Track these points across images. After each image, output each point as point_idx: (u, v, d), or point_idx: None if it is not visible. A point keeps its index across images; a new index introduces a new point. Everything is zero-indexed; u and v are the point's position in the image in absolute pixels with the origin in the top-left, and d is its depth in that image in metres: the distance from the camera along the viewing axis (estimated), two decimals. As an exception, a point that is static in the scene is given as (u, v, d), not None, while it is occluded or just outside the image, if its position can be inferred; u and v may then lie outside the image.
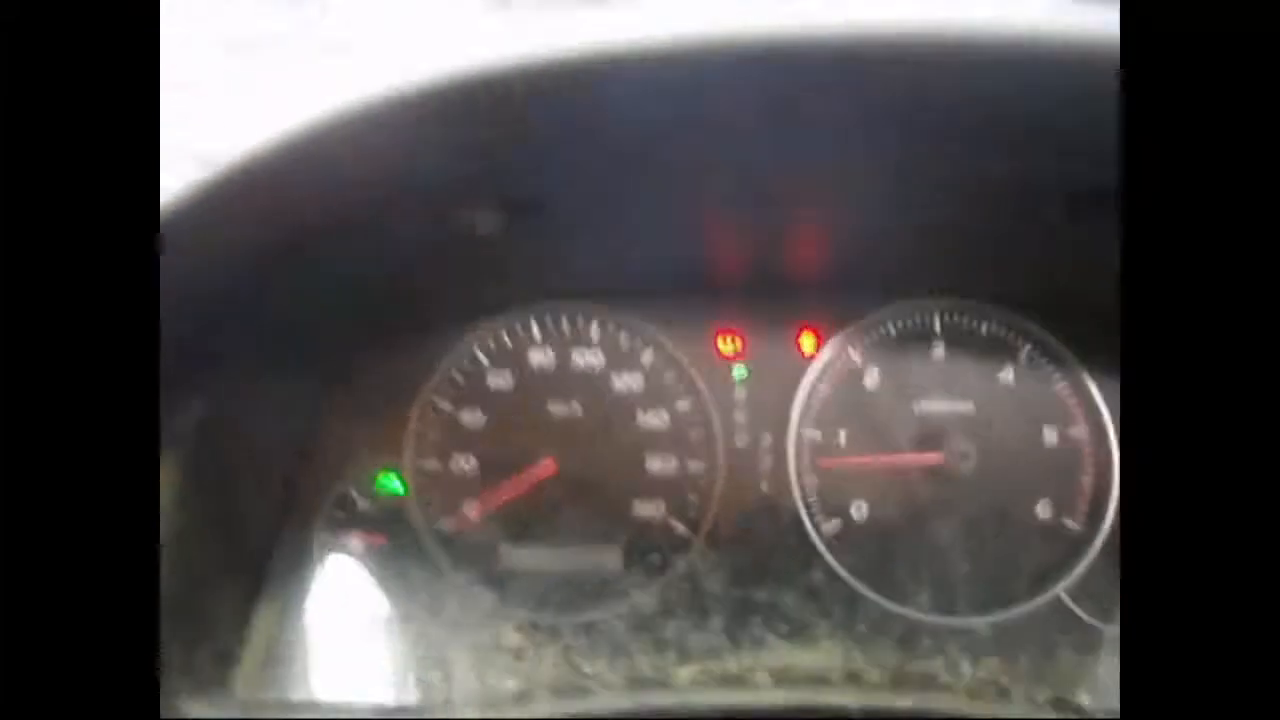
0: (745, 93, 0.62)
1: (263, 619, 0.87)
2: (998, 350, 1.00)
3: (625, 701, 0.74)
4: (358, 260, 0.83)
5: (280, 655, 0.86)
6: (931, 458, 0.96)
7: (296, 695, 0.83)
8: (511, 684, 0.79)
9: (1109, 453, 0.97)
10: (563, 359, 1.01)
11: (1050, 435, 0.98)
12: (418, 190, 0.71)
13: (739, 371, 1.01)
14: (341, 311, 0.95)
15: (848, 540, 0.95)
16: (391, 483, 1.00)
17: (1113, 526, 0.94)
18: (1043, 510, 0.97)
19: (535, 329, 1.02)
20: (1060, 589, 0.94)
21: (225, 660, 0.81)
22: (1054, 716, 0.73)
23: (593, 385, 1.00)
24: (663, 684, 0.76)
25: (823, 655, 0.85)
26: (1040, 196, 0.72)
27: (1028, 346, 1.00)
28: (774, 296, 1.01)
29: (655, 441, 0.99)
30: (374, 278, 0.89)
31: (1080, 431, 0.98)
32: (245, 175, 0.62)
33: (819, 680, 0.76)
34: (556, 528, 0.96)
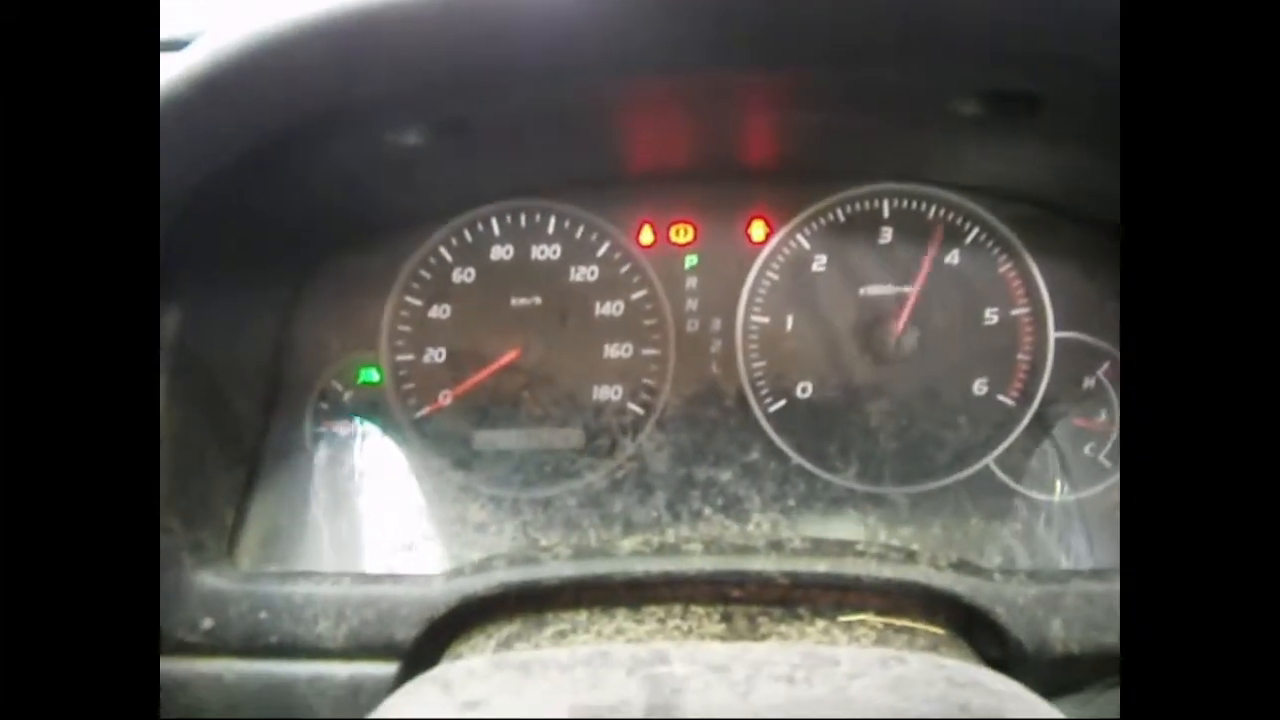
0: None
1: (261, 504, 0.97)
2: (944, 235, 1.02)
3: (571, 569, 0.84)
4: (323, 170, 0.86)
5: (278, 534, 0.97)
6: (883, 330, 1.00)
7: (293, 567, 0.95)
8: (475, 554, 0.89)
9: (1045, 331, 1.01)
10: (522, 253, 1.06)
11: (991, 316, 1.02)
12: (354, 108, 0.74)
13: (690, 260, 1.04)
14: (312, 216, 0.99)
15: (789, 420, 1.02)
16: (370, 375, 1.08)
17: (1041, 401, 1.00)
18: (979, 387, 1.02)
19: (495, 225, 1.06)
20: (990, 459, 1.01)
21: (229, 540, 0.92)
22: (953, 575, 0.81)
23: (551, 277, 1.05)
24: (606, 553, 0.85)
25: (753, 526, 0.94)
26: (959, 97, 0.72)
27: (974, 230, 1.02)
28: (725, 187, 1.04)
29: (612, 329, 1.05)
30: (339, 186, 0.93)
31: (1020, 311, 1.02)
32: (207, 81, 0.65)
33: (745, 548, 0.84)
34: (520, 412, 1.04)
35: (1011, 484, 1.00)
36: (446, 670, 0.65)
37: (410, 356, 1.06)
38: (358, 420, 1.06)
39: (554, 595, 0.85)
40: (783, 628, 0.82)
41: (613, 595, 0.85)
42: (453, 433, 1.03)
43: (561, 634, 0.81)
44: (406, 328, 1.06)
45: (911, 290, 1.01)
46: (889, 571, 0.82)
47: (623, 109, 0.91)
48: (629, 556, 0.85)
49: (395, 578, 0.86)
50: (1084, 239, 0.99)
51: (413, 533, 0.97)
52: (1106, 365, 1.00)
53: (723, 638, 0.80)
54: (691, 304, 1.05)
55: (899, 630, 0.83)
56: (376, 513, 1.00)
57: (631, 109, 0.91)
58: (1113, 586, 0.80)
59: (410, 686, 0.63)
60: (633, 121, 0.94)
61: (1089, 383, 1.01)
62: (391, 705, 0.61)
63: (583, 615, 0.84)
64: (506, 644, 0.81)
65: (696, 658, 0.63)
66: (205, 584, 0.85)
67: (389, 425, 1.05)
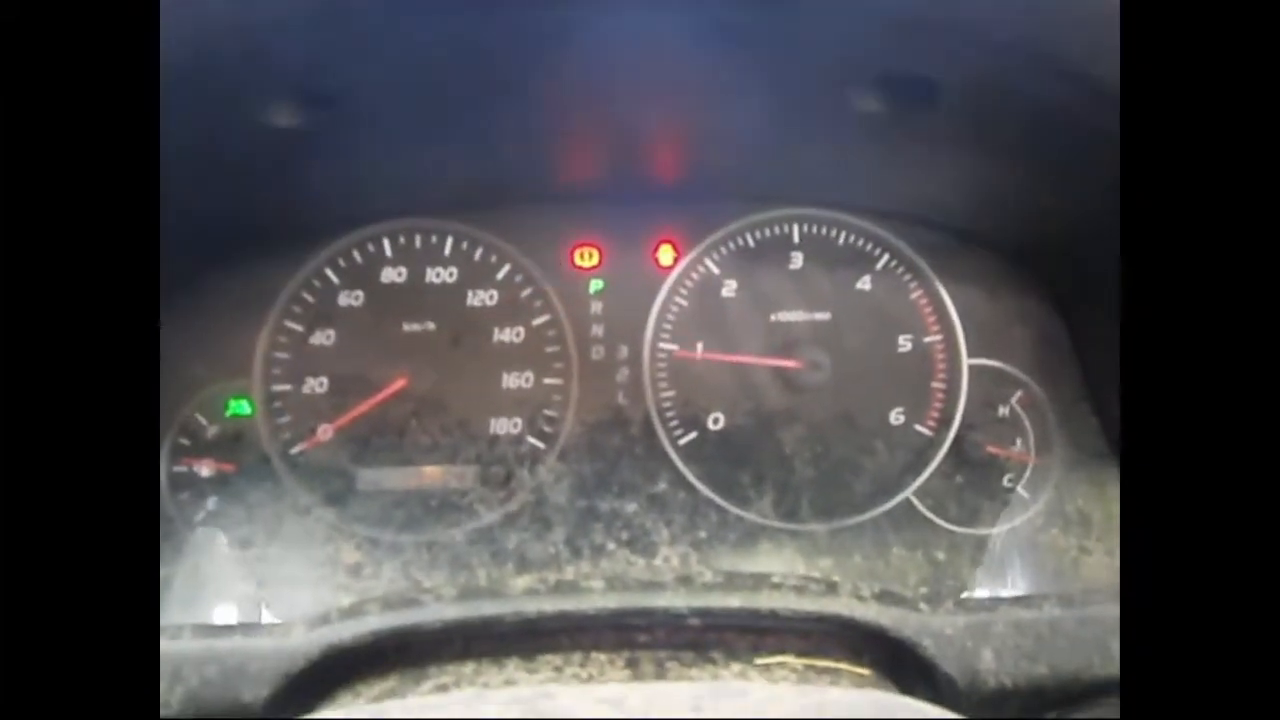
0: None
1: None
2: (855, 260, 1.00)
3: (454, 611, 0.74)
4: (189, 161, 0.78)
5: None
6: (789, 363, 0.96)
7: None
8: (345, 599, 0.78)
9: (959, 358, 0.99)
10: (416, 276, 0.98)
11: (904, 343, 0.99)
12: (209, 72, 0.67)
13: (595, 284, 0.99)
14: (178, 224, 0.90)
15: (700, 450, 0.96)
16: (241, 407, 0.97)
17: (958, 429, 0.97)
18: (895, 416, 0.99)
19: (387, 246, 0.98)
20: (909, 492, 0.97)
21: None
22: (877, 606, 0.75)
23: (447, 302, 0.98)
24: (496, 593, 0.75)
25: (660, 561, 0.86)
26: (858, 86, 0.71)
27: (884, 257, 1.00)
28: (631, 209, 1.00)
29: (511, 357, 0.98)
30: (207, 185, 0.85)
31: (933, 339, 1.00)
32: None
33: (651, 584, 0.76)
34: (406, 443, 0.94)
35: (931, 516, 0.95)
36: None
37: (287, 387, 0.96)
38: (224, 458, 0.94)
39: (436, 644, 0.74)
40: (693, 672, 0.73)
41: (504, 642, 0.75)
42: (328, 468, 0.93)
43: (442, 688, 0.71)
44: (284, 355, 0.97)
45: (825, 316, 0.98)
46: (808, 605, 0.75)
47: (521, 115, 0.87)
48: (522, 596, 0.75)
49: (246, 628, 0.74)
50: (987, 263, 0.99)
51: (274, 579, 0.85)
52: (1020, 393, 0.99)
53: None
54: (597, 330, 0.99)
55: (821, 671, 0.76)
56: (233, 559, 0.88)
57: (530, 115, 0.87)
58: (1041, 614, 0.75)
59: None
60: (532, 131, 0.90)
61: (1004, 410, 0.98)
62: None
63: (468, 667, 0.74)
64: (378, 701, 0.69)
65: (589, 693, 0.55)
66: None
67: (260, 462, 0.94)
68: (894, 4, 0.60)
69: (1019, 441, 0.97)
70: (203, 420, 0.96)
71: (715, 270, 0.99)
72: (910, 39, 0.65)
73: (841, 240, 1.00)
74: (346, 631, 0.73)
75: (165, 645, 0.72)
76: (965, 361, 0.98)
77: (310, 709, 0.70)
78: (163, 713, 0.69)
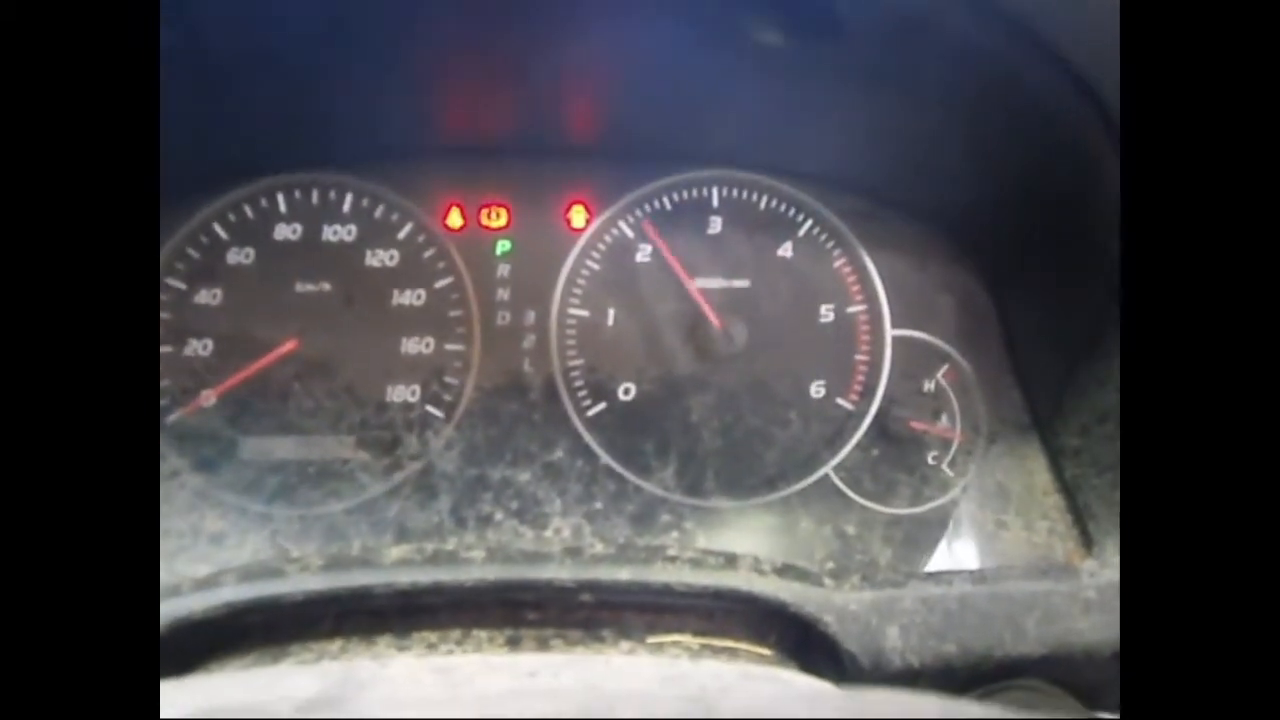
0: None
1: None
2: (776, 226, 0.96)
3: (319, 582, 0.68)
4: None
5: None
6: (713, 318, 0.91)
7: None
8: (203, 570, 0.72)
9: (883, 330, 0.94)
10: (311, 234, 0.92)
11: (826, 313, 0.95)
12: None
13: (502, 246, 0.94)
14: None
15: (606, 420, 0.91)
16: (118, 370, 0.90)
17: (881, 403, 0.93)
18: (816, 389, 0.94)
19: (281, 201, 0.92)
20: (829, 467, 0.92)
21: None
22: (777, 580, 0.70)
23: (344, 261, 0.92)
24: (367, 563, 0.69)
25: (550, 532, 0.80)
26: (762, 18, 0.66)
27: (807, 223, 0.96)
28: (543, 166, 0.94)
29: (411, 321, 0.92)
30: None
31: (857, 309, 0.95)
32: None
33: (536, 556, 0.71)
34: (288, 406, 0.88)
35: (849, 492, 0.90)
36: None
37: (168, 348, 0.89)
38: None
39: (299, 618, 0.68)
40: (578, 651, 0.68)
41: (378, 618, 0.69)
42: (204, 433, 0.86)
43: (302, 665, 0.65)
44: (166, 314, 0.90)
45: (744, 283, 0.93)
46: (705, 579, 0.70)
47: (427, 65, 0.82)
48: (394, 566, 0.69)
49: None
50: (913, 231, 0.95)
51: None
52: (945, 367, 0.94)
53: (504, 661, 0.65)
54: (503, 294, 0.93)
55: (718, 651, 0.70)
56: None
57: (437, 65, 0.82)
58: (951, 589, 0.71)
59: None
60: (439, 82, 0.84)
61: (928, 384, 0.94)
62: None
63: (335, 644, 0.68)
64: (226, 681, 0.63)
65: (425, 663, 0.49)
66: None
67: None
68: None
69: (944, 417, 0.93)
70: (74, 383, 0.89)
71: (629, 234, 0.94)
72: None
73: (762, 205, 0.95)
74: (199, 604, 0.67)
75: None
76: (889, 333, 0.94)
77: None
78: None
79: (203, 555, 0.77)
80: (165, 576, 0.74)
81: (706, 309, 0.91)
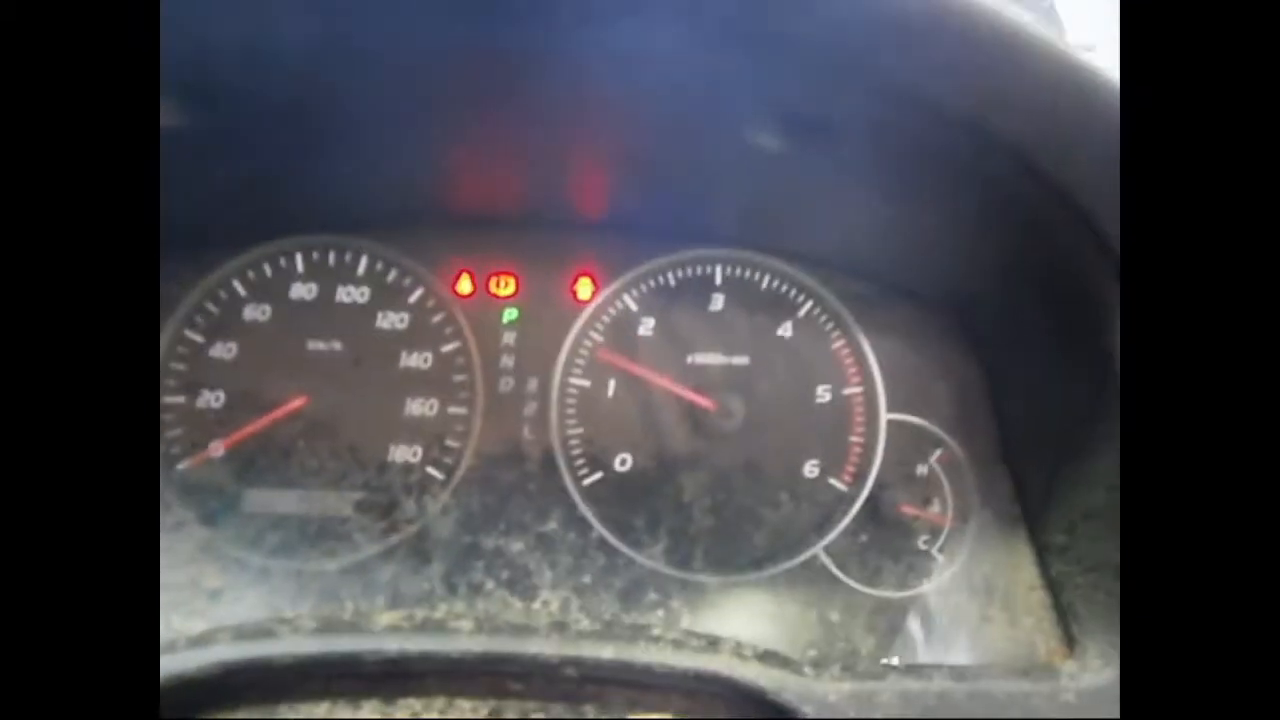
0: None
1: None
2: (777, 306, 0.98)
3: (310, 645, 0.69)
4: None
5: None
6: (704, 401, 0.93)
7: None
8: (199, 626, 0.74)
9: (877, 412, 0.96)
10: (326, 294, 0.95)
11: (823, 393, 0.97)
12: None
13: (509, 314, 0.96)
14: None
15: (601, 491, 0.92)
16: (131, 417, 0.93)
17: (873, 487, 0.94)
18: (810, 469, 0.95)
19: (299, 261, 0.96)
20: (819, 548, 0.93)
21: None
22: (758, 667, 0.71)
23: (356, 322, 0.95)
24: (357, 629, 0.71)
25: (538, 604, 0.82)
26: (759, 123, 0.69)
27: (807, 304, 0.98)
28: (552, 238, 0.97)
29: (417, 383, 0.94)
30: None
31: (853, 391, 0.97)
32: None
33: (523, 629, 0.72)
34: (292, 464, 0.90)
35: (838, 573, 0.91)
36: None
37: (180, 399, 0.92)
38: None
39: (290, 680, 0.70)
40: (560, 728, 0.69)
41: (366, 681, 0.71)
42: (208, 485, 0.88)
43: (287, 740, 0.66)
44: (181, 366, 0.93)
45: (743, 360, 0.95)
46: (686, 660, 0.71)
47: (443, 136, 0.85)
48: (384, 633, 0.71)
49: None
50: (911, 315, 0.96)
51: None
52: (939, 452, 0.96)
53: (484, 737, 0.67)
54: (507, 361, 0.95)
55: (698, 733, 0.71)
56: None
57: (452, 137, 0.85)
58: (930, 685, 0.71)
59: None
60: (453, 154, 0.88)
61: (922, 469, 0.95)
62: None
63: (322, 705, 0.69)
64: (217, 739, 0.65)
65: None
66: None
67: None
68: (801, 44, 0.59)
69: (935, 502, 0.94)
70: (89, 429, 0.92)
71: (633, 307, 0.97)
72: (812, 79, 0.64)
73: (764, 284, 0.98)
74: (191, 662, 0.68)
75: None
76: (884, 416, 0.95)
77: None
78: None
79: (199, 611, 0.79)
80: (163, 631, 0.76)
81: (687, 393, 0.94)
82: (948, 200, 0.78)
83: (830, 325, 0.98)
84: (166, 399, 0.92)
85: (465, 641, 0.71)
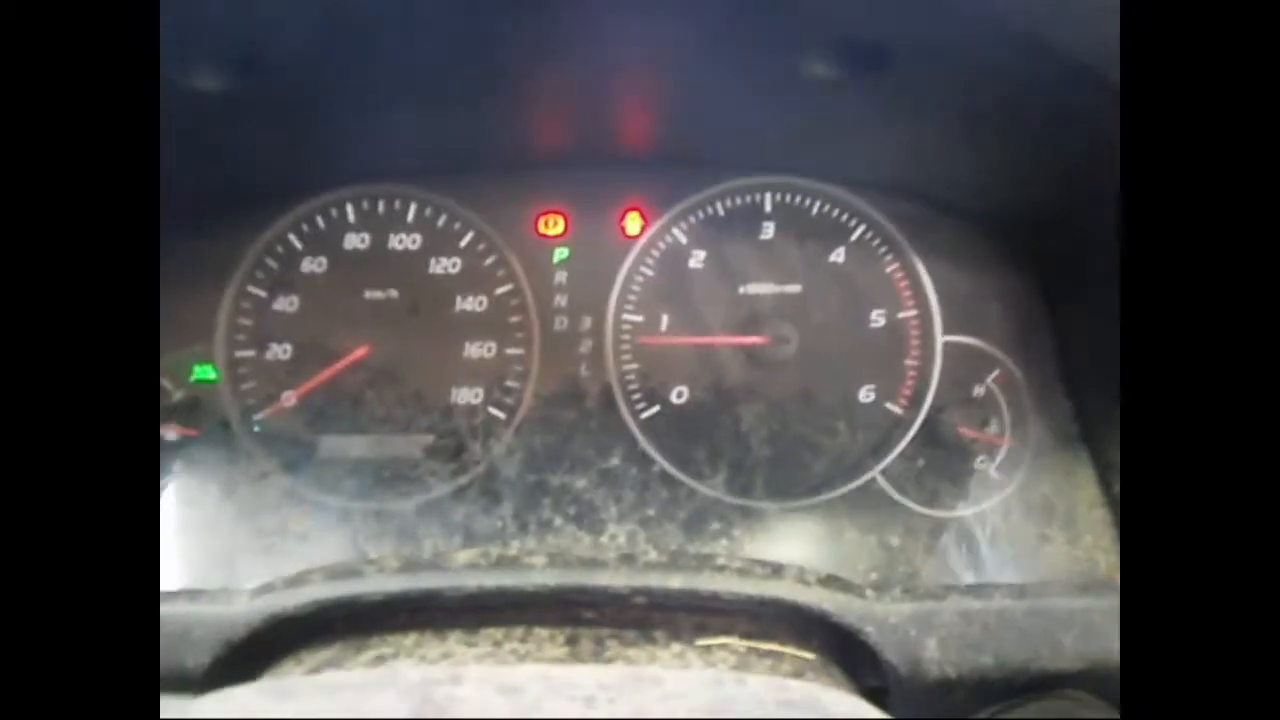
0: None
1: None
2: (828, 231, 0.97)
3: (395, 584, 0.74)
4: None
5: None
6: (755, 339, 0.94)
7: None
8: (292, 568, 0.79)
9: (933, 335, 0.95)
10: (379, 243, 0.97)
11: (877, 318, 0.96)
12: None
13: (559, 253, 0.97)
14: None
15: (659, 425, 0.94)
16: (206, 372, 0.97)
17: (930, 409, 0.94)
18: (865, 394, 0.96)
19: (350, 212, 0.97)
20: (876, 471, 0.94)
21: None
22: (821, 591, 0.73)
23: (409, 270, 0.96)
24: (438, 567, 0.75)
25: (606, 538, 0.85)
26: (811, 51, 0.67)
27: (859, 227, 0.96)
28: (599, 175, 0.97)
29: (473, 326, 0.96)
30: (170, 160, 0.84)
31: (908, 314, 0.96)
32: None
33: (593, 562, 0.75)
34: (361, 413, 0.94)
35: (896, 496, 0.93)
36: (200, 700, 0.55)
37: (251, 352, 0.96)
38: (188, 423, 0.95)
39: (378, 615, 0.74)
40: (631, 652, 0.72)
41: (447, 615, 0.75)
42: (285, 434, 0.93)
43: (381, 659, 0.71)
44: (248, 321, 0.96)
45: (796, 289, 0.95)
46: (751, 588, 0.74)
47: (487, 79, 0.84)
48: (463, 570, 0.75)
49: (191, 594, 0.75)
50: (966, 236, 0.94)
51: (227, 545, 0.86)
52: (996, 372, 0.95)
53: (563, 662, 0.71)
54: (560, 300, 0.97)
55: (763, 655, 0.74)
56: (190, 523, 0.88)
57: (496, 79, 0.84)
58: (990, 604, 0.73)
59: None
60: (498, 96, 0.87)
61: (978, 390, 0.95)
62: None
63: (410, 638, 0.74)
64: (317, 671, 0.70)
65: (494, 678, 0.54)
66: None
67: (216, 426, 0.94)
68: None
69: (993, 423, 0.94)
70: (168, 385, 0.96)
71: (683, 240, 0.96)
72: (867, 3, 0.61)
73: (815, 210, 0.96)
74: (289, 600, 0.73)
75: (112, 609, 0.73)
76: (940, 339, 0.95)
77: (252, 676, 0.71)
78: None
79: (290, 553, 0.85)
80: (260, 573, 0.82)
81: (736, 339, 0.94)
82: (1006, 118, 0.76)
83: (883, 248, 0.96)
84: (238, 353, 0.96)
85: (539, 576, 0.74)
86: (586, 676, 0.55)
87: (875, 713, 0.56)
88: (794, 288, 0.96)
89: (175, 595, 0.75)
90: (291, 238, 0.96)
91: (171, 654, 0.70)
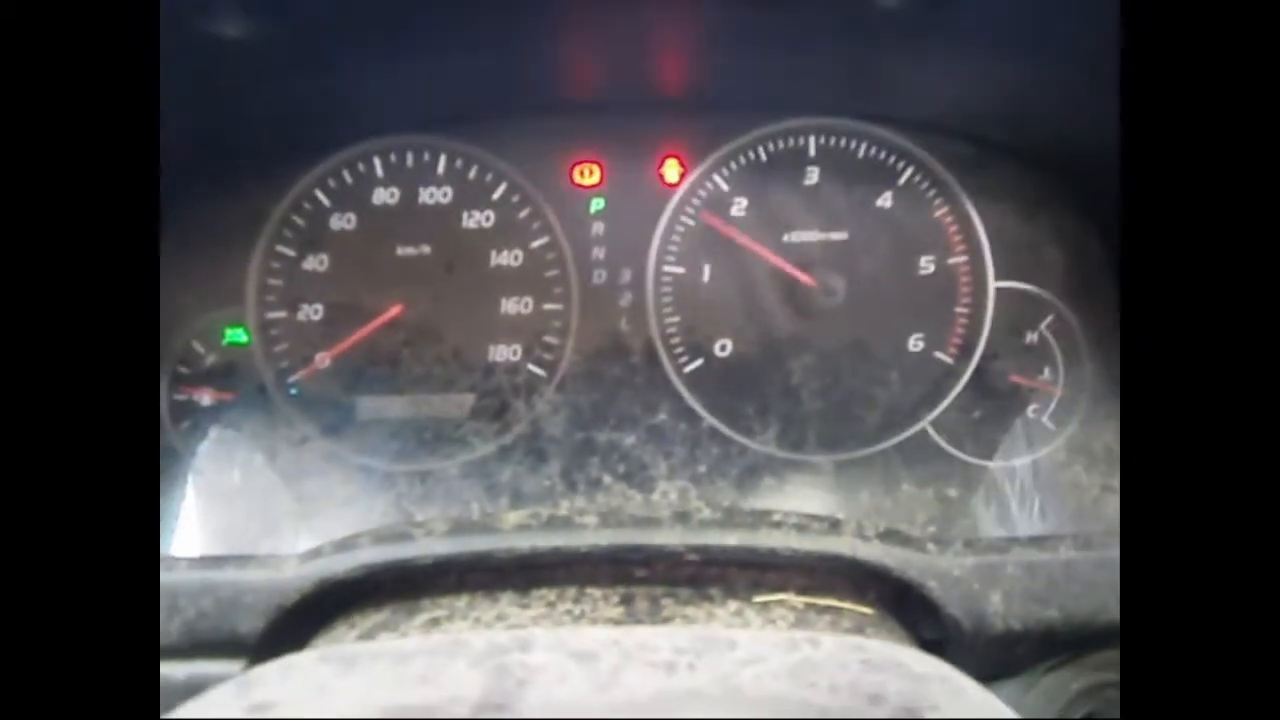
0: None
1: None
2: (875, 175, 0.93)
3: (445, 547, 0.72)
4: (173, 97, 0.74)
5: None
6: (805, 277, 0.91)
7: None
8: (339, 532, 0.77)
9: (985, 281, 0.92)
10: (408, 197, 0.94)
11: (926, 264, 0.93)
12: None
13: (596, 204, 0.94)
14: (166, 155, 0.87)
15: (704, 379, 0.92)
16: (238, 335, 0.95)
17: (981, 357, 0.91)
18: (914, 343, 0.93)
19: (378, 166, 0.94)
20: (927, 422, 0.92)
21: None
22: (881, 546, 0.71)
23: (441, 224, 0.93)
24: (488, 529, 0.74)
25: (658, 495, 0.83)
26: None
27: (908, 170, 0.92)
28: (635, 121, 0.93)
29: (509, 282, 0.93)
30: (192, 117, 0.80)
31: (958, 260, 0.93)
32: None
33: (647, 521, 0.74)
34: (400, 373, 0.92)
35: (948, 447, 0.91)
36: (261, 668, 0.54)
37: (282, 314, 0.94)
38: (222, 387, 0.93)
39: (428, 578, 0.73)
40: (689, 610, 0.71)
41: (498, 576, 0.74)
42: (323, 397, 0.91)
43: (434, 621, 0.70)
44: (277, 281, 0.94)
45: (842, 235, 0.92)
46: (809, 544, 0.72)
47: (515, 23, 0.80)
48: (513, 531, 0.73)
49: (241, 560, 0.74)
50: (1020, 178, 0.91)
51: (269, 510, 0.85)
52: (1050, 318, 0.92)
53: (619, 622, 0.70)
54: (598, 253, 0.94)
55: (822, 611, 0.73)
56: (231, 489, 0.87)
57: (525, 22, 0.80)
58: (1055, 556, 0.71)
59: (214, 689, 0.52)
60: (528, 40, 0.83)
61: (1031, 337, 0.92)
62: (180, 709, 0.50)
63: (462, 600, 0.73)
64: (370, 635, 0.69)
65: (564, 644, 0.53)
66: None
67: (252, 390, 0.93)
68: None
69: (1046, 370, 0.91)
70: (200, 349, 0.94)
71: (724, 187, 0.93)
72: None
73: (861, 153, 0.92)
74: (338, 565, 0.72)
75: (163, 577, 0.72)
76: (992, 284, 0.92)
77: (305, 640, 0.71)
78: (162, 642, 0.70)
79: (336, 517, 0.83)
80: (307, 540, 0.81)
81: (788, 267, 0.90)
82: (1067, 52, 0.71)
83: (933, 192, 0.92)
84: (269, 315, 0.94)
85: (591, 536, 0.73)
86: (659, 639, 0.54)
87: (952, 670, 0.55)
88: (840, 234, 0.92)
89: (224, 561, 0.74)
90: (319, 194, 0.93)
91: (224, 620, 0.69)
